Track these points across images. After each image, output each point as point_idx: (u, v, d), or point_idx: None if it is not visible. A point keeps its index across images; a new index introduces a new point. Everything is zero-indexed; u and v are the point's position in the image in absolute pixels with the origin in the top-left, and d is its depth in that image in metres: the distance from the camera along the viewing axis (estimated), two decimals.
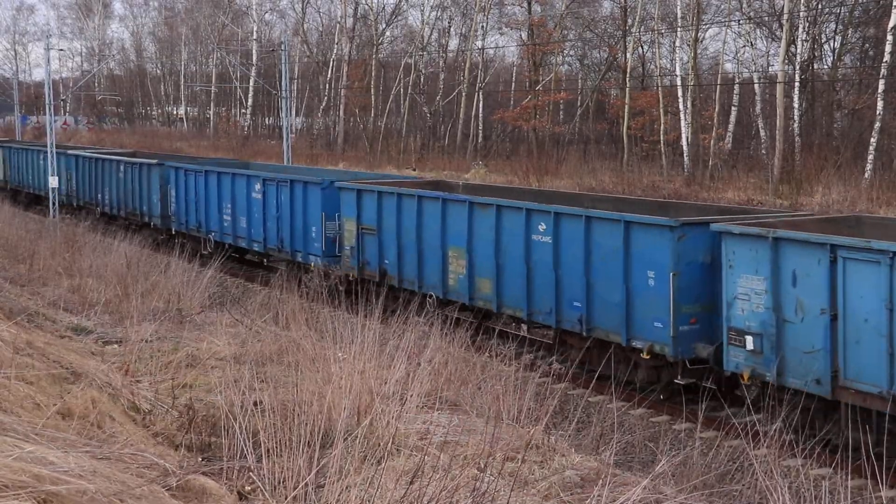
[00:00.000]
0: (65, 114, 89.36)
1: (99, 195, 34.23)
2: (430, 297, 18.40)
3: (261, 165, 33.39)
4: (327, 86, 65.92)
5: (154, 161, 30.53)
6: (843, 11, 43.01)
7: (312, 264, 22.09)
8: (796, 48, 39.93)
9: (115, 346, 12.75)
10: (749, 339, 12.85)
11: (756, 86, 45.72)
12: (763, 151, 42.83)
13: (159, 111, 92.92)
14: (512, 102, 60.30)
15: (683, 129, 43.89)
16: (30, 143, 50.59)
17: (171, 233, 28.91)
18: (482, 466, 7.37)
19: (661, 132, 46.31)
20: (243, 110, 75.28)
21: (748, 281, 12.89)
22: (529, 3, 56.68)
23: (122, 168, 32.16)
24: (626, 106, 49.32)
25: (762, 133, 43.49)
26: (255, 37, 71.99)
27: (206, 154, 53.71)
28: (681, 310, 13.85)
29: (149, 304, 16.08)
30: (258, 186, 24.37)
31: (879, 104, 36.05)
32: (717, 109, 45.18)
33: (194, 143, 69.24)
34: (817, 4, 41.34)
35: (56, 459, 5.10)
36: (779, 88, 39.71)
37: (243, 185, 25.14)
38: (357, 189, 20.91)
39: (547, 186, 36.35)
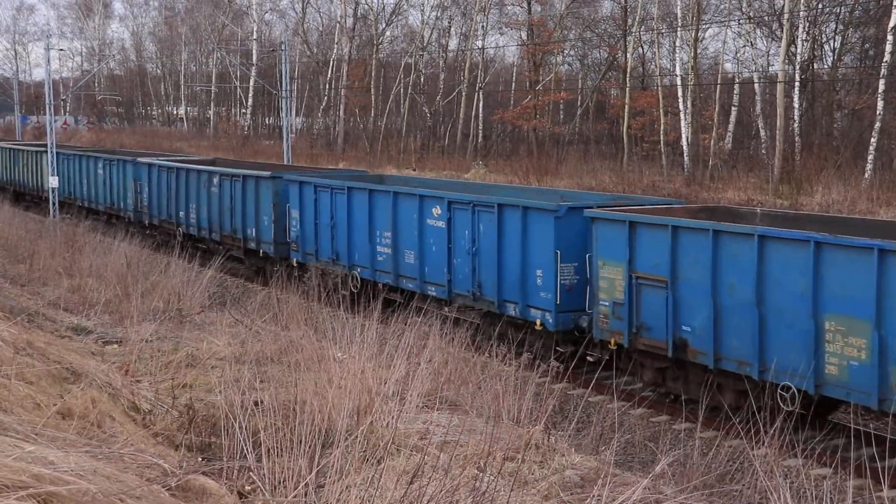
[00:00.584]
0: (65, 114, 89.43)
1: (181, 213, 28.22)
2: (786, 388, 12.60)
3: (415, 180, 25.72)
4: (327, 86, 65.94)
5: (267, 174, 24.57)
6: (843, 11, 43.02)
7: (538, 321, 16.01)
8: (796, 48, 39.93)
9: (115, 346, 12.76)
10: None
11: (756, 86, 45.73)
12: (763, 151, 42.83)
13: (159, 111, 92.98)
14: (512, 102, 60.33)
15: (683, 129, 43.91)
16: (83, 149, 43.37)
17: (292, 264, 22.99)
18: (482, 466, 7.37)
19: (662, 132, 46.32)
20: (243, 110, 75.31)
21: None
22: (529, 3, 56.68)
23: (215, 181, 26.33)
24: (626, 106, 49.35)
25: (762, 133, 43.51)
26: (255, 37, 72.02)
27: (206, 153, 53.63)
28: None
29: (149, 304, 16.08)
30: (437, 211, 18.36)
31: (879, 104, 36.06)
32: (717, 109, 45.20)
33: (194, 143, 69.29)
34: (817, 4, 41.35)
35: (56, 459, 5.10)
36: (779, 88, 39.71)
37: (413, 209, 18.92)
38: (629, 221, 14.66)
39: (546, 186, 36.34)
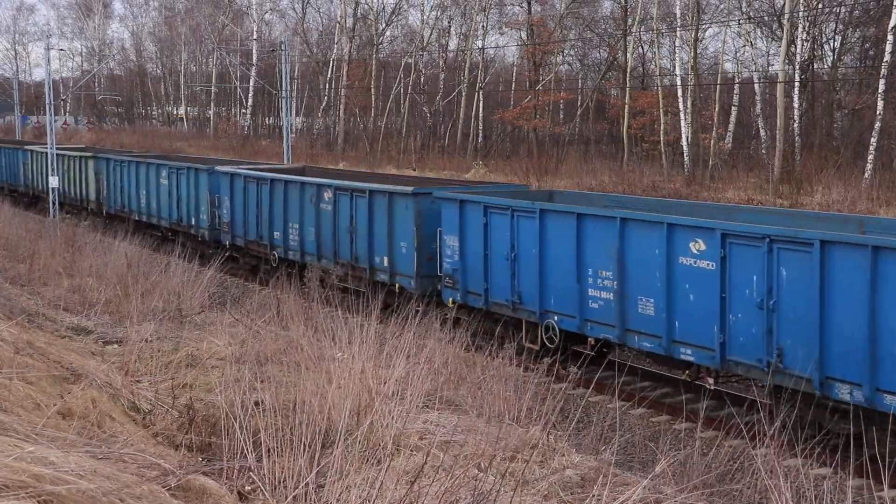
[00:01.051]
0: (65, 114, 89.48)
1: (276, 234, 23.65)
2: None
3: (679, 204, 17.98)
4: (327, 86, 65.96)
5: (407, 189, 19.32)
6: (843, 11, 43.03)
7: None
8: (796, 48, 39.94)
9: (115, 346, 12.76)
10: None
11: (756, 86, 45.72)
12: (763, 151, 42.86)
13: (159, 111, 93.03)
14: (512, 102, 60.36)
15: (683, 129, 43.92)
16: (142, 154, 37.56)
17: (447, 304, 17.99)
18: (482, 466, 7.38)
19: (662, 132, 46.34)
20: (243, 110, 75.32)
21: None
22: (529, 3, 56.71)
23: (327, 196, 21.55)
24: (627, 106, 49.37)
25: (762, 133, 43.53)
26: (255, 37, 72.03)
27: (206, 153, 53.57)
28: None
29: (149, 304, 16.09)
30: (699, 246, 13.49)
31: (879, 104, 36.07)
32: (717, 109, 45.22)
33: (194, 142, 69.38)
34: (817, 4, 41.35)
35: (56, 459, 5.10)
36: (779, 88, 39.72)
37: (655, 242, 14.08)
38: None
39: (547, 187, 36.30)
